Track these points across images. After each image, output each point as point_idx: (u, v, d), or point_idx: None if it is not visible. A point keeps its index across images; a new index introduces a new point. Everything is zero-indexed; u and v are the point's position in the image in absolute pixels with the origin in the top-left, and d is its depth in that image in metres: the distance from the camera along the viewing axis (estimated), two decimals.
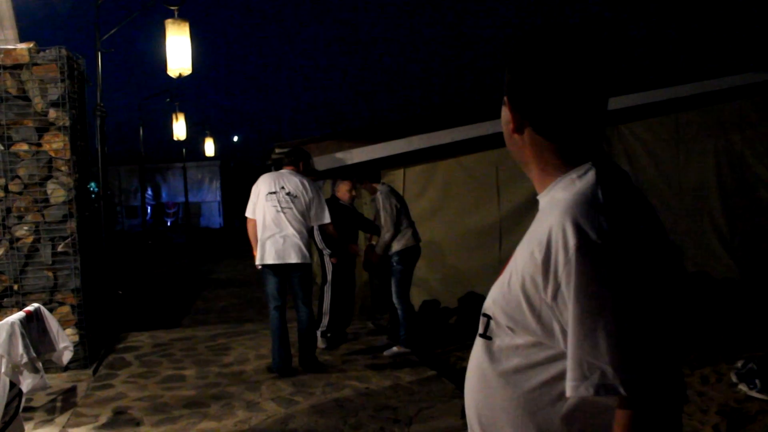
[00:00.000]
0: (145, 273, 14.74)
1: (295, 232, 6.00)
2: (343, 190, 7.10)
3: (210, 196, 34.57)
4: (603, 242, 1.15)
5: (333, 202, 6.88)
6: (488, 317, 1.36)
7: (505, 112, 1.39)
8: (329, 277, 6.99)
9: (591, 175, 1.27)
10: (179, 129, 21.02)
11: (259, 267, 6.08)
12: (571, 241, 1.16)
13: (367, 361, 6.40)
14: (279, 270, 6.00)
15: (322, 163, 8.29)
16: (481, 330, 1.38)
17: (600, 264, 1.14)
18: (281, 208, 6.02)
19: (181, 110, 20.77)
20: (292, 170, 6.28)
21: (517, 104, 1.34)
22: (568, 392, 1.16)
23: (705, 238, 8.74)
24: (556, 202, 1.27)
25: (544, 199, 1.36)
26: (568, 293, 1.16)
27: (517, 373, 1.28)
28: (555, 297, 1.19)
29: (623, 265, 1.15)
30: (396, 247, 6.57)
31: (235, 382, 5.94)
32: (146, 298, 11.12)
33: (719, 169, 8.84)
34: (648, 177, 8.71)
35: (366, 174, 6.91)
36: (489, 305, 1.36)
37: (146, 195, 28.75)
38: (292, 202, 6.05)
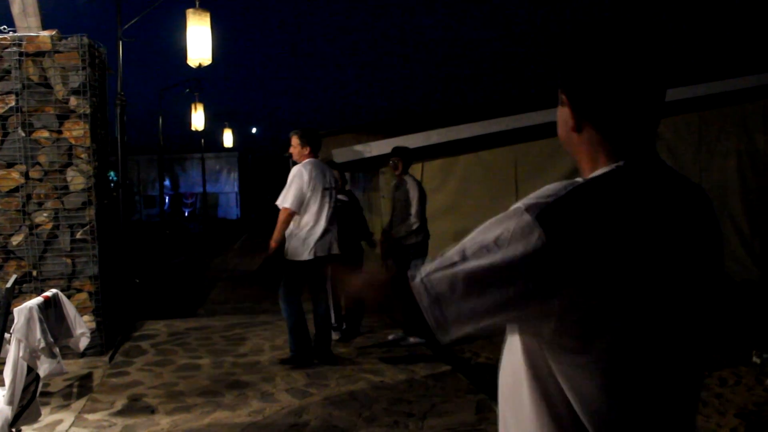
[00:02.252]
0: (162, 262, 14.82)
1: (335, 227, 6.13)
2: None
3: (228, 187, 34.75)
4: (519, 207, 1.21)
5: None
6: None
7: (564, 111, 1.35)
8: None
9: (595, 176, 1.28)
10: (198, 120, 21.10)
11: (303, 260, 5.95)
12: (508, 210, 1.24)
13: (381, 355, 6.38)
14: (320, 263, 5.99)
15: (341, 155, 8.29)
16: None
17: (500, 216, 1.24)
18: (332, 205, 6.09)
19: (200, 101, 20.84)
20: (322, 160, 6.28)
21: (579, 103, 1.31)
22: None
23: (726, 239, 8.63)
24: None
25: None
26: None
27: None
28: None
29: (508, 222, 1.21)
30: (414, 239, 6.58)
31: (249, 372, 5.95)
32: (163, 288, 11.18)
33: (741, 169, 8.74)
34: None
35: (404, 153, 6.82)
36: None
37: (164, 185, 28.90)
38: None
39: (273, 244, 5.88)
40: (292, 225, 5.95)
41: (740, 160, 8.74)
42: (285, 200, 5.89)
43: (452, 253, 1.28)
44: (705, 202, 1.36)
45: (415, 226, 6.55)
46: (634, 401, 1.21)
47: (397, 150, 6.79)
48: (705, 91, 8.98)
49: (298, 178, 5.90)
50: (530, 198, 1.22)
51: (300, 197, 5.89)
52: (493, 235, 1.23)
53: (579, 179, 1.28)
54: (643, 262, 1.18)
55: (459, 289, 1.22)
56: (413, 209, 6.57)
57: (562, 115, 1.36)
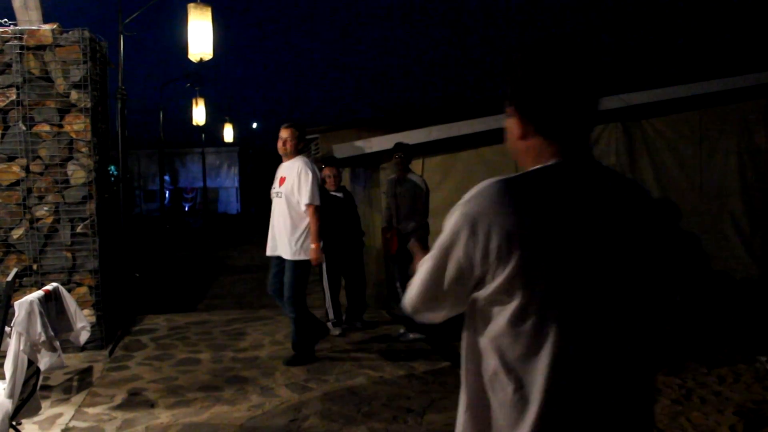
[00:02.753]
0: (162, 257, 14.83)
1: None
2: (323, 176, 6.99)
3: (228, 181, 34.77)
4: (459, 212, 1.44)
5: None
6: None
7: (511, 122, 1.50)
8: (323, 268, 7.04)
9: (531, 169, 1.44)
10: (199, 114, 21.08)
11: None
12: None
13: (381, 350, 6.39)
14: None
15: (341, 150, 8.28)
16: None
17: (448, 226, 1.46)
18: None
19: (201, 95, 20.82)
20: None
21: (525, 111, 1.46)
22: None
23: (726, 237, 8.65)
24: None
25: None
26: None
27: None
28: None
29: (448, 225, 1.45)
30: (418, 235, 6.60)
31: (249, 367, 5.96)
32: (163, 282, 11.19)
33: (742, 167, 8.73)
34: (669, 174, 8.62)
35: (407, 149, 6.82)
36: None
37: (165, 179, 28.89)
38: None
39: (316, 245, 5.85)
40: (302, 224, 5.90)
41: (741, 159, 8.73)
42: (314, 198, 5.83)
43: None
44: (636, 196, 1.49)
45: (423, 222, 6.60)
46: (545, 359, 1.36)
47: (400, 146, 6.79)
48: (705, 89, 8.96)
49: (313, 174, 5.88)
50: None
51: (318, 191, 5.92)
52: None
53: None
54: (559, 240, 1.35)
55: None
56: (421, 206, 6.59)
57: (509, 125, 1.51)
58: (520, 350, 1.37)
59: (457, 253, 1.41)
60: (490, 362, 1.43)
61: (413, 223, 6.60)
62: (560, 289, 1.35)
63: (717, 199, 8.68)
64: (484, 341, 1.44)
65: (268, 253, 6.07)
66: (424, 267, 1.53)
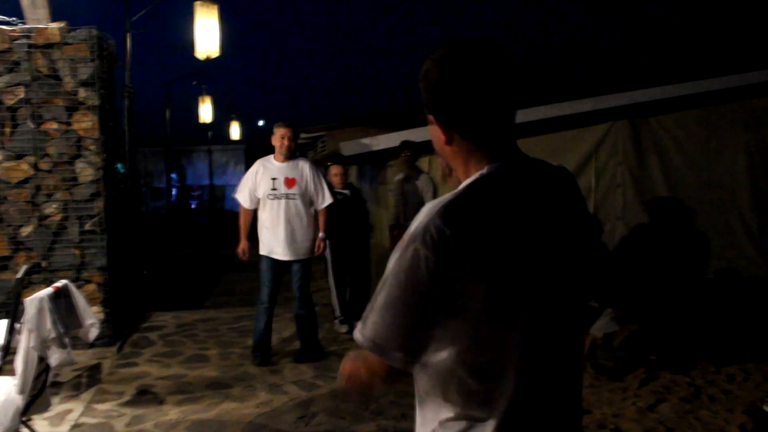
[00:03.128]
0: (170, 254, 14.86)
1: None
2: (330, 175, 7.03)
3: (234, 179, 34.76)
4: (413, 235, 1.37)
5: None
6: None
7: (434, 129, 1.53)
8: (329, 265, 7.09)
9: (470, 182, 1.45)
10: (205, 112, 21.12)
11: None
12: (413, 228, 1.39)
13: None
14: None
15: (348, 148, 8.28)
16: None
17: (398, 248, 1.40)
18: None
19: (207, 93, 20.85)
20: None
21: (444, 118, 1.48)
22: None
23: (734, 235, 8.60)
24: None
25: None
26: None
27: None
28: None
29: (402, 255, 1.38)
30: None
31: (257, 364, 5.96)
32: (170, 279, 11.21)
33: (751, 164, 8.68)
34: (677, 171, 8.57)
35: (414, 147, 6.83)
36: None
37: (171, 177, 28.94)
38: None
39: (324, 235, 6.12)
40: (313, 223, 6.02)
41: (749, 156, 8.66)
42: (331, 196, 6.10)
43: None
44: (565, 181, 1.57)
45: None
46: (497, 351, 1.39)
47: (407, 143, 6.80)
48: (714, 86, 8.91)
49: (321, 174, 6.04)
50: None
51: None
52: None
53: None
54: (511, 238, 1.38)
55: None
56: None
57: (433, 132, 1.54)
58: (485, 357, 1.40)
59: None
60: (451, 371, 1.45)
61: None
62: (521, 295, 1.39)
63: (725, 197, 8.63)
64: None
65: (284, 257, 5.90)
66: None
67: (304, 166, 5.96)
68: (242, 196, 6.01)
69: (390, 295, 1.41)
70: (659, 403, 4.73)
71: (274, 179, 5.89)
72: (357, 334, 1.52)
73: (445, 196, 1.41)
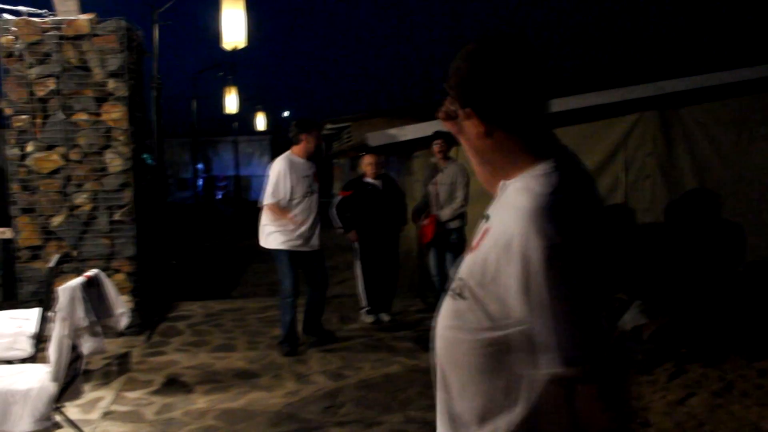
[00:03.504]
0: (197, 244, 14.98)
1: None
2: (363, 164, 7.02)
3: (260, 170, 34.91)
4: (564, 246, 1.34)
5: (357, 180, 7.03)
6: (463, 281, 1.53)
7: (469, 123, 1.51)
8: (357, 255, 7.12)
9: (555, 178, 1.43)
10: (231, 103, 21.19)
11: None
12: (538, 244, 1.33)
13: (415, 339, 6.38)
14: None
15: (375, 138, 8.27)
16: (457, 290, 1.55)
17: (563, 265, 1.33)
18: None
19: (233, 84, 20.92)
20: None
21: (485, 111, 1.47)
22: (544, 369, 1.36)
23: (766, 227, 8.47)
24: (524, 198, 1.42)
25: (512, 185, 1.51)
26: (535, 287, 1.34)
27: (482, 332, 1.45)
28: (522, 287, 1.36)
29: (581, 266, 1.35)
30: (458, 223, 6.59)
31: (284, 354, 5.99)
32: (198, 269, 11.30)
33: None
34: (707, 163, 8.45)
35: (448, 137, 6.78)
36: (465, 272, 1.53)
37: (198, 168, 29.13)
38: None
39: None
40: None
41: None
42: None
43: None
44: None
45: (462, 209, 6.57)
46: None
47: (440, 133, 6.75)
48: (745, 76, 8.76)
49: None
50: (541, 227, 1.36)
51: None
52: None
53: (543, 188, 1.42)
54: (598, 233, 1.42)
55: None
56: (461, 193, 6.56)
57: (468, 127, 1.52)
58: None
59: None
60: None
61: (451, 210, 6.56)
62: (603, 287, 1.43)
63: (756, 188, 8.50)
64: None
65: (311, 248, 6.15)
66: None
67: (312, 165, 6.20)
68: (283, 197, 5.99)
69: (569, 305, 1.35)
70: (689, 397, 4.67)
71: (306, 177, 6.06)
72: (558, 368, 1.36)
73: (537, 199, 1.39)
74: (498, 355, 1.44)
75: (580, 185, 1.48)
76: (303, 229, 6.03)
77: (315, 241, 6.14)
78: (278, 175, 6.00)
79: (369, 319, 6.99)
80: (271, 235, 6.13)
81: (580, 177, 1.50)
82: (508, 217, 1.44)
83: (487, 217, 1.58)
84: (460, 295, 1.53)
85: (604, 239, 1.42)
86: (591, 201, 1.47)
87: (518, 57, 1.46)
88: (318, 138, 6.20)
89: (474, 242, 1.56)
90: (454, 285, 1.58)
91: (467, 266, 1.53)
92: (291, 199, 5.99)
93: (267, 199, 6.03)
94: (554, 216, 1.36)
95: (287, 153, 6.16)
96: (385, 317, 7.08)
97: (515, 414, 1.43)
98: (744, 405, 4.53)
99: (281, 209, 5.99)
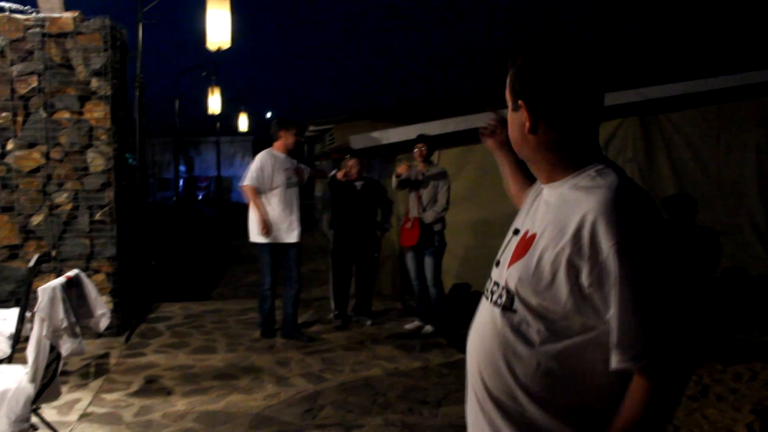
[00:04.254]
0: (177, 245, 14.90)
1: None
2: (347, 166, 7.04)
3: (242, 171, 34.75)
4: (642, 239, 1.34)
5: (333, 181, 7.06)
6: (510, 291, 1.51)
7: (518, 115, 1.54)
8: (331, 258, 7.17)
9: (613, 176, 1.44)
10: (214, 103, 21.11)
11: None
12: (612, 239, 1.33)
13: (396, 342, 6.40)
14: None
15: (358, 141, 8.28)
16: (505, 303, 1.52)
17: (640, 258, 1.33)
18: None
19: (217, 84, 20.84)
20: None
21: (534, 106, 1.50)
22: (615, 365, 1.35)
23: (742, 233, 8.58)
24: (586, 194, 1.42)
25: (558, 188, 1.52)
26: (607, 281, 1.33)
27: (545, 344, 1.44)
28: (593, 283, 1.36)
29: (659, 259, 1.35)
30: (439, 226, 6.61)
31: (264, 356, 5.99)
32: (178, 270, 11.25)
33: (760, 163, 8.65)
34: (686, 169, 8.56)
35: (430, 140, 6.81)
36: (514, 283, 1.50)
37: (179, 168, 28.97)
38: None
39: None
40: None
41: (759, 155, 8.64)
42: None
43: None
44: None
45: (443, 212, 6.59)
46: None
47: (423, 137, 6.78)
48: (724, 84, 8.88)
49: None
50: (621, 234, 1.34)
51: None
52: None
53: (608, 183, 1.42)
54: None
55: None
56: (444, 197, 6.59)
57: (517, 119, 1.55)
58: None
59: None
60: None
61: (434, 213, 6.58)
62: None
63: (734, 195, 8.61)
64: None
65: (290, 240, 6.45)
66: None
67: (295, 160, 6.71)
68: (263, 183, 6.39)
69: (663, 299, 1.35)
70: None
71: (287, 169, 6.47)
72: (629, 365, 1.34)
73: (605, 194, 1.39)
74: (568, 364, 1.43)
75: (637, 185, 1.47)
76: (281, 220, 6.39)
77: (294, 234, 6.45)
78: (259, 163, 6.46)
79: (336, 322, 6.99)
80: (255, 230, 6.44)
81: (630, 177, 1.49)
82: (564, 217, 1.43)
83: (516, 231, 1.60)
84: (510, 309, 1.51)
85: (671, 235, 1.41)
86: (652, 200, 1.45)
87: (574, 57, 1.47)
88: (295, 134, 6.58)
89: (511, 253, 1.56)
90: (496, 297, 1.56)
91: (516, 277, 1.49)
92: (271, 188, 6.39)
93: (246, 180, 6.44)
94: (625, 209, 1.36)
95: (269, 148, 6.64)
96: (366, 321, 7.09)
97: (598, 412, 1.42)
98: (719, 409, 4.59)
99: (256, 194, 6.39)
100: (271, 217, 6.37)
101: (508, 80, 1.56)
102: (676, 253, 1.38)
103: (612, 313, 1.34)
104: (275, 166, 6.41)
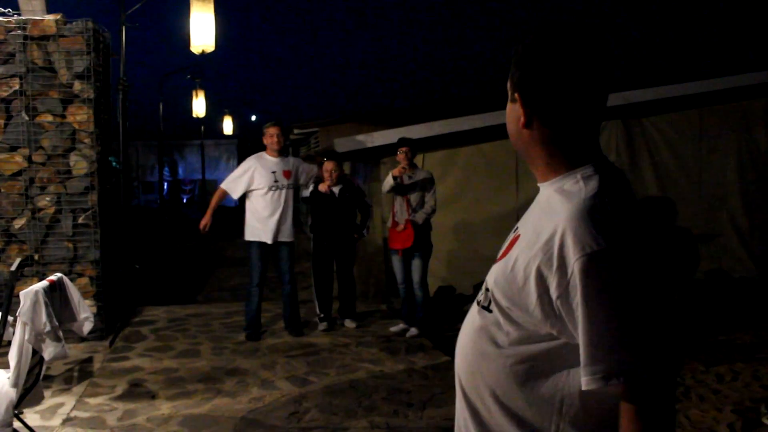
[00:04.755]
0: (161, 248, 14.83)
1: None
2: (323, 170, 6.94)
3: (227, 174, 34.64)
4: (608, 253, 1.24)
5: (314, 191, 6.99)
6: (489, 292, 1.46)
7: (515, 108, 1.46)
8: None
9: (595, 182, 1.36)
10: (199, 106, 21.04)
11: None
12: (577, 253, 1.25)
13: (381, 345, 6.41)
14: None
15: (342, 144, 8.28)
16: (484, 302, 1.48)
17: (606, 273, 1.24)
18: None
19: (201, 87, 20.77)
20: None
21: (529, 99, 1.42)
22: (584, 386, 1.26)
23: (724, 235, 8.68)
24: (563, 202, 1.35)
25: (548, 189, 1.45)
26: (574, 296, 1.26)
27: (512, 346, 1.40)
28: (561, 296, 1.28)
29: (626, 273, 1.25)
30: (427, 229, 6.64)
31: (249, 359, 5.98)
32: (162, 274, 11.20)
33: (741, 166, 8.75)
34: (668, 172, 8.64)
35: (413, 144, 6.80)
36: (491, 282, 1.46)
37: (164, 171, 28.84)
38: None
39: None
40: (293, 207, 6.84)
41: (740, 158, 8.74)
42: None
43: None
44: None
45: (432, 214, 6.61)
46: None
47: (405, 140, 6.77)
48: (706, 87, 8.98)
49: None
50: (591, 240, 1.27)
51: None
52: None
53: (587, 191, 1.35)
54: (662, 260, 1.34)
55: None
56: (431, 199, 6.59)
57: (513, 111, 1.47)
58: None
59: None
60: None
61: (423, 214, 6.58)
62: None
63: (716, 198, 8.70)
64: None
65: (271, 240, 6.60)
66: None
67: (296, 161, 6.97)
68: (234, 187, 6.73)
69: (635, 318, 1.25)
70: None
71: (273, 173, 6.63)
72: (596, 385, 1.25)
73: (576, 204, 1.32)
74: (534, 369, 1.38)
75: (622, 192, 1.38)
76: (266, 221, 6.60)
77: (283, 235, 6.65)
78: (242, 165, 6.81)
79: (321, 326, 6.98)
80: (246, 228, 6.73)
81: (621, 184, 1.40)
82: (542, 223, 1.37)
83: (516, 229, 1.52)
84: (487, 308, 1.46)
85: (651, 248, 1.31)
86: (634, 208, 1.36)
87: (573, 48, 1.37)
88: (272, 135, 6.69)
89: (501, 252, 1.50)
90: (481, 296, 1.51)
91: (494, 276, 1.46)
92: (252, 189, 6.62)
93: (224, 182, 6.88)
94: (595, 221, 1.27)
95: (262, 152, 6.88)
96: (350, 323, 7.09)
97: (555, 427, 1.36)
98: (701, 409, 4.63)
99: (222, 193, 6.90)
100: (254, 217, 6.65)
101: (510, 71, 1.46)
102: (651, 265, 1.29)
103: (579, 331, 1.26)
104: (257, 168, 6.64)
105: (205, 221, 6.76)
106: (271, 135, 6.70)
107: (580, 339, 1.26)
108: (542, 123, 1.41)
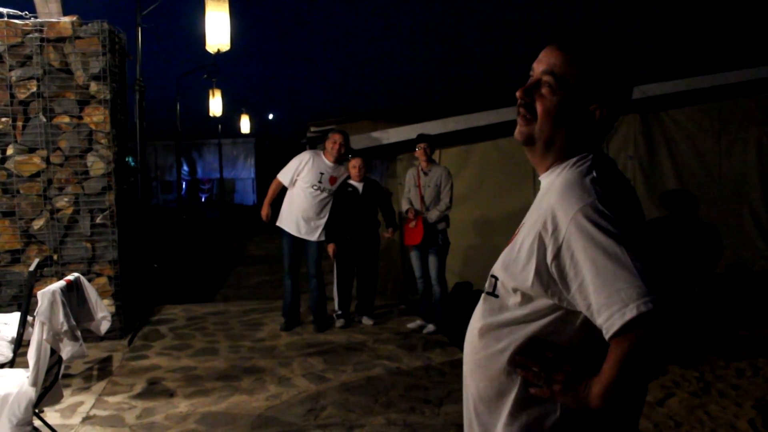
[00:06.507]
0: (180, 247, 14.92)
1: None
2: (349, 167, 6.99)
3: (244, 173, 34.79)
4: (596, 203, 1.38)
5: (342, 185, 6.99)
6: (496, 278, 1.59)
7: (552, 93, 1.56)
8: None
9: (586, 164, 1.51)
10: (215, 105, 21.09)
11: None
12: (570, 208, 1.39)
13: (398, 341, 6.41)
14: None
15: (358, 141, 8.28)
16: (489, 288, 1.61)
17: (597, 219, 1.36)
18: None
19: (217, 87, 20.82)
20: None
21: (591, 92, 1.55)
22: (608, 330, 1.33)
23: (744, 229, 8.58)
24: (560, 181, 1.50)
25: (546, 180, 1.59)
26: (568, 256, 1.38)
27: (517, 324, 1.51)
28: (554, 258, 1.40)
29: (615, 217, 1.37)
30: (443, 225, 6.62)
31: (266, 357, 6.00)
32: (180, 273, 11.27)
33: (762, 159, 8.64)
34: (687, 165, 8.55)
35: (431, 140, 6.80)
36: (498, 268, 1.59)
37: (182, 170, 29.00)
38: None
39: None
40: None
41: (760, 150, 8.64)
42: None
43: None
44: None
45: (447, 211, 6.59)
46: None
47: (424, 137, 6.77)
48: (725, 80, 8.87)
49: None
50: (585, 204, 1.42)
51: None
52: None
53: (578, 168, 1.52)
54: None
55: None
56: (447, 195, 6.58)
57: (550, 97, 1.56)
58: None
59: None
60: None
61: (437, 211, 6.57)
62: None
63: (735, 191, 8.60)
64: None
65: (307, 237, 6.80)
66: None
67: (343, 170, 6.97)
68: (286, 175, 6.85)
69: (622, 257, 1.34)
70: (668, 398, 4.73)
71: (321, 174, 6.79)
72: (619, 324, 1.32)
73: (569, 179, 1.48)
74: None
75: (611, 170, 1.53)
76: (301, 215, 6.74)
77: (310, 234, 6.79)
78: (298, 156, 6.92)
79: (339, 323, 6.99)
80: (280, 214, 6.92)
81: (610, 166, 1.55)
82: (542, 204, 1.51)
83: (523, 224, 1.64)
84: (492, 293, 1.59)
85: (638, 215, 1.49)
86: (621, 180, 1.52)
87: (621, 51, 1.55)
88: (335, 142, 6.79)
89: (509, 241, 1.62)
90: (487, 284, 1.63)
91: (500, 262, 1.59)
92: (297, 180, 6.77)
93: (279, 173, 6.94)
94: (584, 184, 1.43)
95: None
96: (368, 320, 7.09)
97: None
98: (721, 405, 4.59)
99: (278, 184, 6.89)
100: (290, 207, 6.82)
101: (550, 59, 1.56)
102: (632, 219, 1.42)
103: (585, 281, 1.35)
104: (309, 163, 6.77)
105: (265, 211, 6.91)
106: (333, 141, 6.80)
107: (590, 289, 1.34)
108: (601, 111, 1.53)
